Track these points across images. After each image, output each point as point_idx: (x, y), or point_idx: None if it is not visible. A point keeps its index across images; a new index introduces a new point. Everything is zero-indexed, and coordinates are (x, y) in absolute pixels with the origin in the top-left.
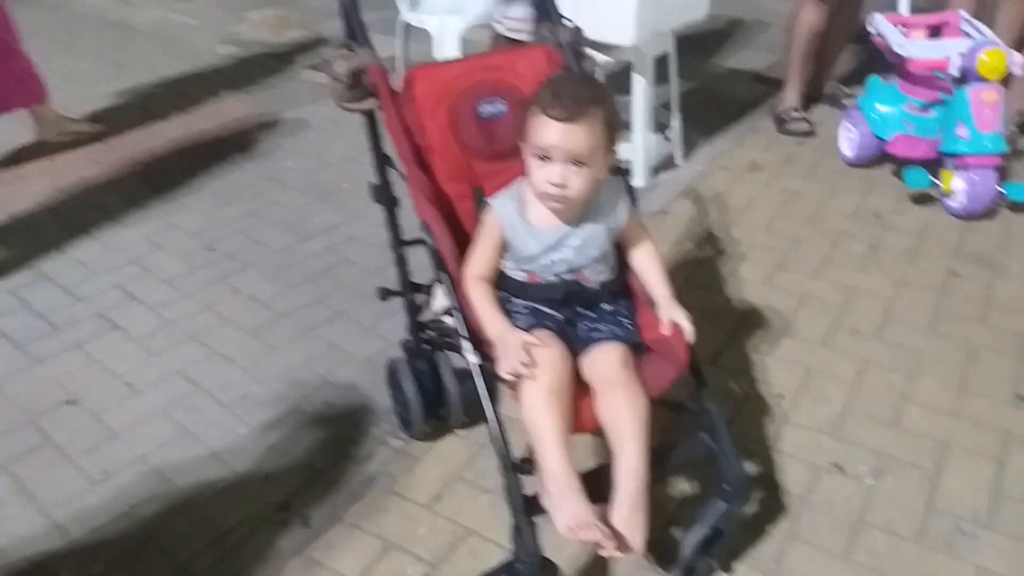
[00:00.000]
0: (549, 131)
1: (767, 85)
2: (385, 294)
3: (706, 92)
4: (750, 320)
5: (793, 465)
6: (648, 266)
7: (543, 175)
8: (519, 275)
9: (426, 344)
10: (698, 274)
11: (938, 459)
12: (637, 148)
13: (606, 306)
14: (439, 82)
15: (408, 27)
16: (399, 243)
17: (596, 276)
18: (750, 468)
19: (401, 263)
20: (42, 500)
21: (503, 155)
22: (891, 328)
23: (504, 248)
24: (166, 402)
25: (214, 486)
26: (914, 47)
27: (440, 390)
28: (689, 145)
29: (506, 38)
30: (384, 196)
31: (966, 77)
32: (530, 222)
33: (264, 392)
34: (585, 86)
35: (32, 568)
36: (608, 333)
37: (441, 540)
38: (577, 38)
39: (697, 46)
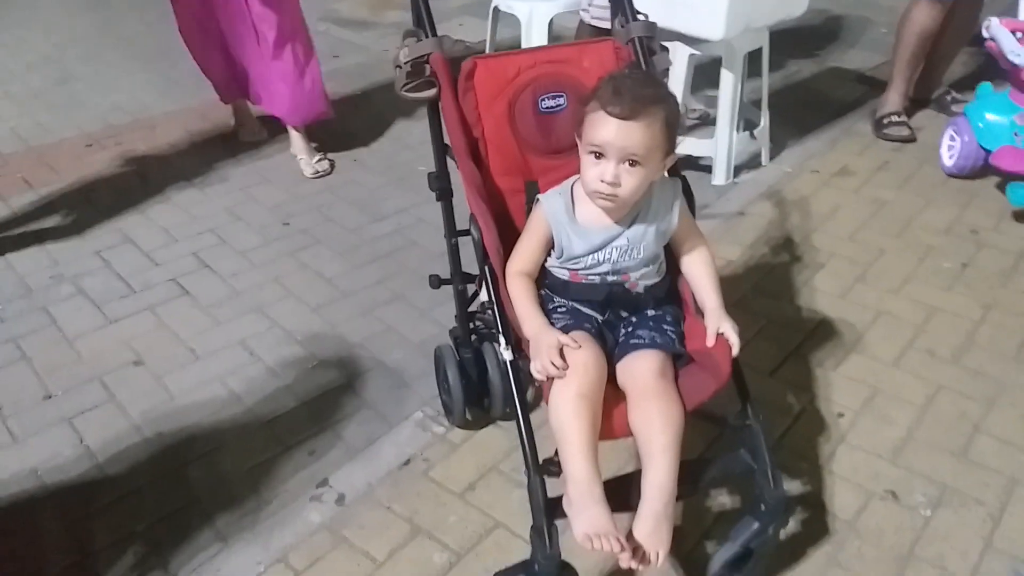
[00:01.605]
0: (606, 128)
1: (870, 86)
2: (437, 282)
3: (803, 90)
4: (818, 333)
5: (844, 488)
6: (700, 273)
7: (596, 172)
8: (562, 273)
9: (474, 334)
10: (769, 281)
11: (1004, 496)
12: (720, 145)
13: (650, 311)
14: (500, 73)
15: (498, 11)
16: (453, 232)
17: (642, 280)
18: (797, 487)
19: (454, 252)
20: (97, 454)
21: (561, 151)
22: (972, 353)
23: (550, 245)
24: (224, 370)
25: (261, 456)
26: None
27: (484, 380)
28: (779, 146)
29: (592, 27)
30: (440, 185)
31: None
32: (578, 221)
33: (319, 369)
34: (648, 84)
35: (79, 512)
36: (648, 339)
37: (469, 531)
38: (650, 33)
39: (798, 42)
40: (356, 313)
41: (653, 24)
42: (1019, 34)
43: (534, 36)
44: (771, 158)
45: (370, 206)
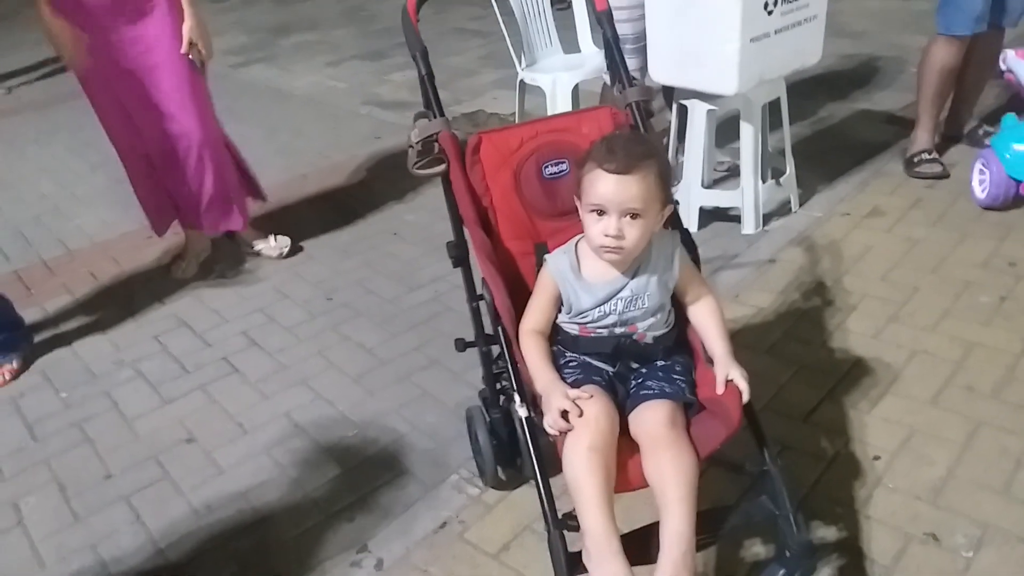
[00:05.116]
0: (604, 184)
1: (899, 126)
2: (463, 345)
3: (833, 135)
4: (852, 375)
5: (882, 532)
6: (706, 321)
7: (600, 228)
8: (572, 328)
9: (502, 394)
10: (801, 326)
11: None
12: (746, 195)
13: (659, 362)
14: (504, 145)
15: (524, 84)
16: (474, 296)
17: (649, 331)
18: (833, 533)
19: (476, 315)
20: (152, 530)
21: (566, 213)
22: (1013, 387)
23: (559, 302)
24: (270, 443)
25: (304, 525)
26: None
27: (515, 440)
28: (809, 191)
29: None
30: (457, 253)
31: None
32: (584, 277)
33: (358, 437)
34: (638, 142)
35: None
36: (657, 390)
37: None
38: (646, 97)
39: (828, 87)
40: (394, 380)
41: (649, 88)
42: None
43: (559, 104)
44: (801, 204)
45: (407, 277)
